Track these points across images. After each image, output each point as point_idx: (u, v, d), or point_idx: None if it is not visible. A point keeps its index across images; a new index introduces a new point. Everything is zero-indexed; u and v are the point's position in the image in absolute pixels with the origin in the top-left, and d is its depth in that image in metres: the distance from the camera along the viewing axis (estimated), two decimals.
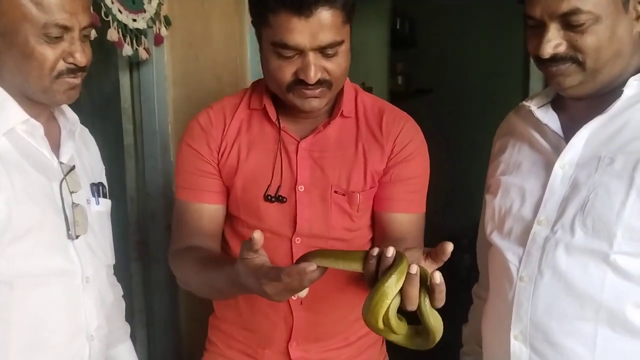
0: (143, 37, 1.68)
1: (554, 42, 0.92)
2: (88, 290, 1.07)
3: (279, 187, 1.15)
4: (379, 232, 1.21)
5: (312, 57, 1.02)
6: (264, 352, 1.23)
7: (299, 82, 1.04)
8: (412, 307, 0.84)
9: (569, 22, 0.90)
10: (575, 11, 0.89)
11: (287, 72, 1.04)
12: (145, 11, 1.67)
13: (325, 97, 1.09)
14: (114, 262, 1.25)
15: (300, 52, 1.02)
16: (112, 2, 1.55)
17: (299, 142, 1.16)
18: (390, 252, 0.85)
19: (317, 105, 1.09)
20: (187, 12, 1.82)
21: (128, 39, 1.62)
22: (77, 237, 1.05)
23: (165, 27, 1.75)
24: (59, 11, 0.95)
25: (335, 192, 1.16)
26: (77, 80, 1.02)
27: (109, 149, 1.91)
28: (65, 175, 1.06)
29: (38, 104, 1.04)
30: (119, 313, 1.30)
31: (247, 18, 1.98)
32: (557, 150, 1.01)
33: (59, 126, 1.12)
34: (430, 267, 0.88)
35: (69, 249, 1.04)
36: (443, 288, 0.84)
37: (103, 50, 1.69)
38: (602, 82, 0.95)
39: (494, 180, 1.14)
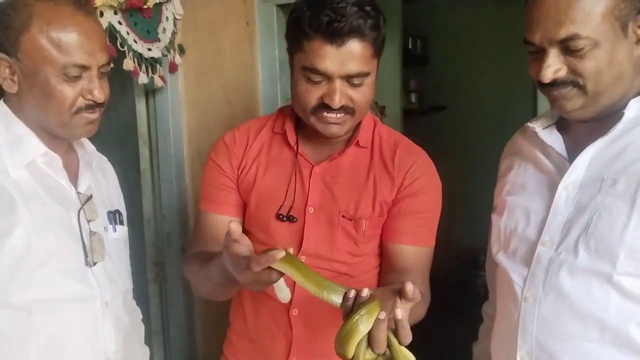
0: (158, 65, 1.73)
1: (553, 67, 0.93)
2: (106, 314, 1.10)
3: (291, 207, 1.20)
4: (385, 263, 1.24)
5: (338, 83, 1.08)
6: None
7: (323, 106, 1.10)
8: (379, 350, 0.86)
9: (568, 48, 0.91)
10: (574, 37, 0.90)
11: (314, 95, 1.10)
12: (159, 40, 1.72)
13: (346, 124, 1.13)
14: (131, 287, 1.29)
15: (329, 78, 1.08)
16: (128, 33, 1.59)
17: (313, 167, 1.21)
18: (365, 292, 0.89)
19: (336, 132, 1.14)
20: (199, 40, 1.88)
21: (144, 67, 1.66)
22: (94, 264, 1.08)
23: (180, 55, 1.80)
24: (78, 52, 0.99)
25: (343, 216, 1.19)
26: (95, 116, 1.06)
27: (126, 173, 1.95)
28: (83, 205, 1.09)
29: (57, 137, 1.08)
30: (137, 336, 1.31)
31: (259, 45, 2.03)
32: (561, 171, 1.01)
33: (77, 157, 1.16)
34: (404, 306, 0.88)
35: (87, 275, 1.07)
36: (405, 325, 0.86)
37: (120, 79, 1.75)
38: (604, 105, 0.96)
39: (500, 200, 1.15)
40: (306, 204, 1.20)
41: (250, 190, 1.24)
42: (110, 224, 1.18)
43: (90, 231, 1.09)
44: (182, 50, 1.82)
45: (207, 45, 1.89)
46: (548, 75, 0.94)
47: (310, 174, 1.21)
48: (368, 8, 1.06)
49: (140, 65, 1.65)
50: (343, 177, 1.21)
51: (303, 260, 1.18)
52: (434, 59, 4.44)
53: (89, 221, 1.09)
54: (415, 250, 1.21)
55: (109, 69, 1.50)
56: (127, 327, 1.20)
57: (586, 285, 0.94)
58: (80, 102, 1.03)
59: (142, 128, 1.90)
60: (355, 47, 1.05)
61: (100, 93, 1.03)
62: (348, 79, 1.08)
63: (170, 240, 1.90)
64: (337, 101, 1.08)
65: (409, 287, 0.86)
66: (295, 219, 1.19)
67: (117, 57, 1.55)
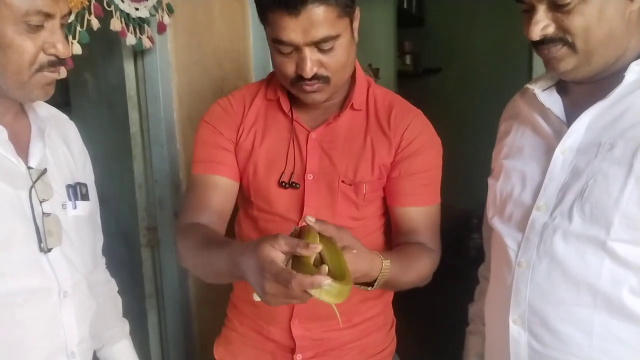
0: (146, 25, 1.68)
1: (541, 23, 0.92)
2: (67, 305, 0.99)
3: (292, 174, 1.19)
4: (393, 225, 1.25)
5: (307, 52, 1.05)
6: (269, 329, 1.27)
7: (299, 78, 1.08)
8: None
9: (556, 2, 0.90)
10: None
11: (289, 68, 1.09)
12: (147, 0, 1.67)
13: (324, 91, 1.12)
14: (103, 262, 1.24)
15: (296, 48, 1.05)
16: None
17: (309, 133, 1.20)
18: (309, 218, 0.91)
19: (318, 99, 1.13)
20: (188, 0, 1.83)
21: (131, 28, 1.62)
22: (49, 250, 0.95)
23: (168, 15, 1.75)
24: None
25: (343, 181, 1.18)
26: (56, 75, 0.93)
27: (116, 137, 1.94)
28: (35, 182, 0.95)
29: (4, 101, 0.94)
30: (114, 311, 1.25)
31: (249, 5, 1.98)
32: (559, 135, 1.00)
33: (29, 123, 1.02)
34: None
35: (42, 263, 0.95)
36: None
37: (107, 40, 1.71)
38: (597, 65, 0.94)
39: (497, 163, 1.14)
40: (305, 170, 1.19)
41: (248, 158, 1.22)
42: (70, 199, 1.03)
43: (44, 213, 0.96)
44: (170, 10, 1.77)
45: (196, 5, 1.84)
46: (536, 32, 0.92)
47: (307, 140, 1.20)
48: None
49: (127, 26, 1.61)
50: (340, 142, 1.20)
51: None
52: (429, 20, 4.36)
53: (42, 201, 0.96)
54: (420, 211, 1.20)
55: (95, 23, 1.46)
56: (95, 311, 1.11)
57: (580, 251, 0.94)
58: (42, 58, 0.89)
59: (130, 91, 1.86)
60: (314, 12, 1.01)
61: (64, 47, 0.90)
62: (316, 45, 1.05)
63: (162, 204, 1.89)
64: (308, 71, 1.06)
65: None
66: (298, 185, 1.18)
67: (104, 17, 1.51)
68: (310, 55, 1.05)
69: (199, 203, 1.20)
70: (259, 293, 0.86)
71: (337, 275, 0.83)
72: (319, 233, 0.90)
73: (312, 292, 0.79)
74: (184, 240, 1.16)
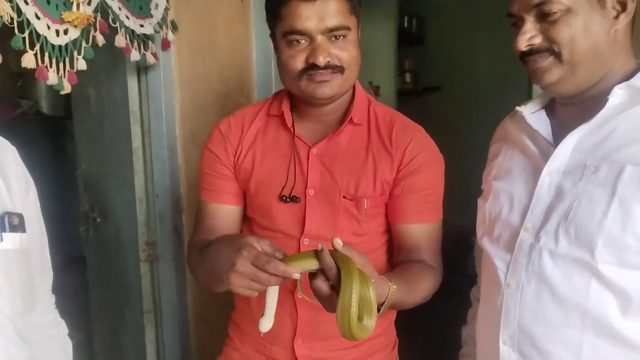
0: (150, 42, 1.70)
1: (529, 34, 0.94)
2: None
3: (293, 188, 1.20)
4: (395, 242, 1.25)
5: (320, 40, 1.09)
6: (272, 348, 1.26)
7: (310, 67, 1.10)
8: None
9: (542, 12, 0.92)
10: (546, 0, 0.91)
11: (299, 59, 1.11)
12: (152, 16, 1.69)
13: (335, 82, 1.12)
14: (52, 299, 1.11)
15: (310, 38, 1.08)
16: (120, 9, 1.56)
17: (310, 148, 1.21)
18: (336, 241, 0.91)
19: (328, 92, 1.13)
20: (193, 17, 1.85)
21: (135, 44, 1.64)
22: None
23: (172, 31, 1.77)
24: None
25: (344, 197, 1.18)
26: None
27: (118, 151, 1.94)
28: None
29: None
30: (62, 356, 1.12)
31: (253, 22, 2.00)
32: (546, 157, 1.01)
33: None
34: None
35: None
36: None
37: (111, 56, 1.72)
38: (582, 78, 0.95)
39: (487, 184, 1.15)
40: (306, 186, 1.20)
41: (249, 177, 1.23)
42: None
43: None
44: (175, 27, 1.79)
45: (200, 22, 1.86)
46: (523, 41, 0.95)
47: (308, 155, 1.20)
48: None
49: (132, 42, 1.62)
50: (341, 157, 1.20)
51: (306, 243, 1.19)
52: (429, 39, 4.40)
53: None
54: (422, 228, 1.21)
55: (100, 39, 1.46)
56: (36, 358, 0.99)
57: (567, 272, 0.94)
58: None
59: (133, 106, 1.87)
60: (329, 1, 1.07)
61: None
62: (329, 34, 1.09)
63: (162, 219, 1.89)
64: (322, 58, 1.08)
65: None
66: (298, 199, 1.19)
67: (109, 34, 1.52)
68: (324, 44, 1.09)
69: (204, 227, 1.26)
70: (227, 271, 0.92)
71: (366, 309, 0.87)
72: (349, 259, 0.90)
73: (345, 328, 0.86)
74: (190, 255, 1.23)
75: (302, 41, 1.09)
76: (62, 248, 1.16)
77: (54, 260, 1.11)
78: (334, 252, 0.91)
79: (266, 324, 0.98)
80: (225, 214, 1.26)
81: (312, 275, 0.92)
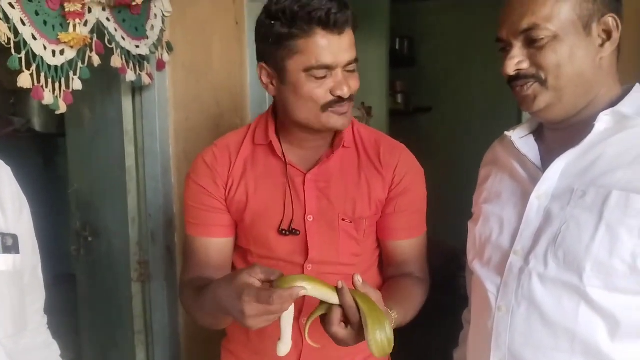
0: (146, 62, 1.71)
1: (516, 59, 0.97)
2: None
3: (292, 220, 1.19)
4: (385, 258, 1.29)
5: (342, 73, 1.10)
6: None
7: (336, 101, 1.11)
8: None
9: (530, 38, 0.94)
10: (534, 27, 0.93)
11: (322, 92, 1.10)
12: (147, 37, 1.70)
13: (350, 111, 1.15)
14: (44, 320, 1.09)
15: (331, 70, 1.09)
16: (116, 30, 1.58)
17: (305, 175, 1.21)
18: (356, 278, 0.96)
19: (347, 122, 1.16)
20: (188, 38, 1.87)
21: (131, 64, 1.65)
22: None
23: (168, 52, 1.78)
24: None
25: (343, 219, 1.20)
26: None
27: (112, 170, 1.95)
28: None
29: None
30: None
31: (248, 44, 2.02)
32: (535, 181, 1.02)
33: None
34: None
35: None
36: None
37: (106, 75, 1.73)
38: (568, 104, 0.97)
39: (477, 207, 1.16)
40: (305, 213, 1.20)
41: (244, 209, 1.21)
42: None
43: None
44: (170, 48, 1.80)
45: (195, 43, 1.88)
46: (511, 66, 0.97)
47: (304, 181, 1.20)
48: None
49: (127, 63, 1.64)
50: (335, 181, 1.21)
51: (310, 269, 1.19)
52: (420, 61, 4.46)
53: None
54: (411, 242, 1.26)
55: (96, 60, 1.47)
56: None
57: (556, 295, 0.95)
58: None
59: (128, 125, 1.88)
60: (349, 34, 1.10)
61: None
62: (346, 67, 1.10)
63: (155, 238, 1.89)
64: (347, 90, 1.10)
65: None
66: (298, 232, 1.19)
67: (104, 54, 1.54)
68: (345, 76, 1.10)
69: (196, 262, 1.23)
70: (240, 319, 0.91)
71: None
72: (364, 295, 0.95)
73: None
74: (184, 295, 1.19)
75: (325, 74, 1.09)
76: (51, 266, 1.14)
77: (43, 279, 1.09)
78: (353, 291, 0.94)
79: (284, 347, 0.97)
80: (217, 247, 1.23)
81: (323, 317, 0.96)
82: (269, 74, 1.15)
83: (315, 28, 1.05)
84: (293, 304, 0.93)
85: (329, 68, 1.08)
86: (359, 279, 0.95)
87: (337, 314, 0.93)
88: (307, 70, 1.08)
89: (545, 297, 0.96)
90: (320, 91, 1.10)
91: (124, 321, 1.98)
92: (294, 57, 1.08)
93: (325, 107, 1.11)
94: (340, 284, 0.93)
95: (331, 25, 1.05)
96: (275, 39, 1.09)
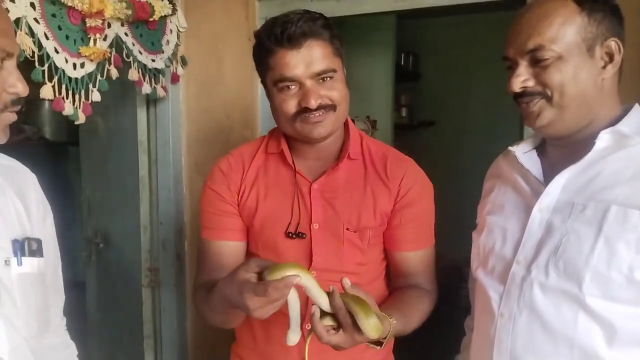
0: (161, 75, 1.78)
1: (522, 77, 1.01)
2: None
3: (298, 224, 1.24)
4: (392, 269, 1.32)
5: (309, 84, 1.14)
6: None
7: (303, 111, 1.15)
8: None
9: (535, 58, 0.99)
10: (539, 47, 0.98)
11: (291, 104, 1.15)
12: (163, 52, 1.77)
13: (328, 121, 1.18)
14: (63, 322, 1.13)
15: (300, 84, 1.14)
16: (134, 44, 1.64)
17: (311, 184, 1.25)
18: (345, 280, 1.02)
19: (323, 131, 1.18)
20: (202, 53, 1.93)
21: (147, 77, 1.71)
22: None
23: (182, 66, 1.85)
24: (2, 37, 0.84)
25: (347, 229, 1.24)
26: (15, 116, 0.89)
27: (125, 179, 2.00)
28: None
29: None
30: None
31: None
32: (537, 195, 1.06)
33: None
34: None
35: None
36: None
37: (121, 87, 1.79)
38: (571, 121, 1.02)
39: (481, 218, 1.21)
40: (310, 220, 1.24)
41: (254, 215, 1.26)
42: (15, 255, 0.94)
43: None
44: (184, 62, 1.87)
45: (209, 58, 1.94)
46: (517, 83, 1.01)
47: (310, 191, 1.25)
48: (315, 14, 1.15)
49: (144, 76, 1.70)
50: (341, 191, 1.25)
51: (313, 275, 1.23)
52: (424, 75, 4.52)
53: None
54: (418, 254, 1.29)
55: (114, 73, 1.53)
56: None
57: (556, 304, 0.99)
58: (5, 97, 0.85)
59: (142, 136, 1.94)
60: (313, 46, 1.13)
61: (24, 85, 0.87)
62: (316, 78, 1.13)
63: (165, 246, 1.94)
64: (313, 101, 1.13)
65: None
66: (304, 235, 1.23)
67: (122, 68, 1.60)
68: (313, 88, 1.14)
69: (210, 265, 1.27)
70: (247, 312, 0.96)
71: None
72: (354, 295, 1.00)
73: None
74: (197, 297, 1.24)
75: (293, 87, 1.14)
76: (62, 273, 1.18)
77: None
78: (343, 294, 0.99)
79: (293, 337, 1.01)
80: (230, 250, 1.28)
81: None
82: (265, 91, 1.24)
83: (275, 45, 1.13)
84: (295, 291, 0.97)
85: (293, 80, 1.13)
86: (347, 281, 1.00)
87: (319, 326, 0.99)
88: (275, 84, 1.16)
89: (545, 305, 1.00)
90: (289, 103, 1.15)
91: (134, 326, 2.02)
92: (268, 74, 1.17)
93: (294, 117, 1.16)
94: (331, 288, 0.99)
95: (285, 42, 1.11)
96: (256, 59, 1.21)
